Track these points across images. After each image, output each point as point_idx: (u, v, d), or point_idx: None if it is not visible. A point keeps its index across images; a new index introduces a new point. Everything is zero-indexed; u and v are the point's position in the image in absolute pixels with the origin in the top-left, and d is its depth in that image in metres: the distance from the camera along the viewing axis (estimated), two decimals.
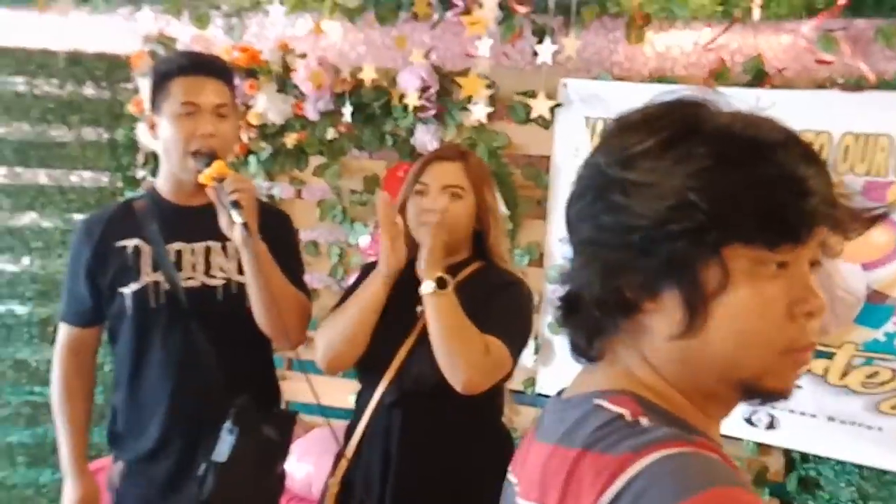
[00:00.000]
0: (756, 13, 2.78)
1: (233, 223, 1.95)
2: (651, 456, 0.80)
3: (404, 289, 2.03)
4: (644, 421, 0.86)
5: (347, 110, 3.30)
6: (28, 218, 3.69)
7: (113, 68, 3.65)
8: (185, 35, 3.49)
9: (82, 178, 3.70)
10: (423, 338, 1.99)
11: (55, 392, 2.22)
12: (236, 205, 1.93)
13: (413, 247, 2.07)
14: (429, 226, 2.02)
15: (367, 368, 2.11)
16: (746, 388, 0.89)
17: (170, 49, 3.48)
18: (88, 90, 3.66)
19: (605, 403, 0.90)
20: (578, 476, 0.85)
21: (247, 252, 1.99)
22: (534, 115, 3.13)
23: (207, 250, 2.12)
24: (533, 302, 2.19)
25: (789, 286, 0.86)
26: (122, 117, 3.66)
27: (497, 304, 2.03)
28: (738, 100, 0.90)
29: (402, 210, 2.12)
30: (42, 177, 3.69)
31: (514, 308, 2.08)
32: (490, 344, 1.94)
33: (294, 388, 3.56)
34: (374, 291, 2.03)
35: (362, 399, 2.12)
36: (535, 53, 3.09)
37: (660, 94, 0.92)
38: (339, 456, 2.14)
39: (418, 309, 2.03)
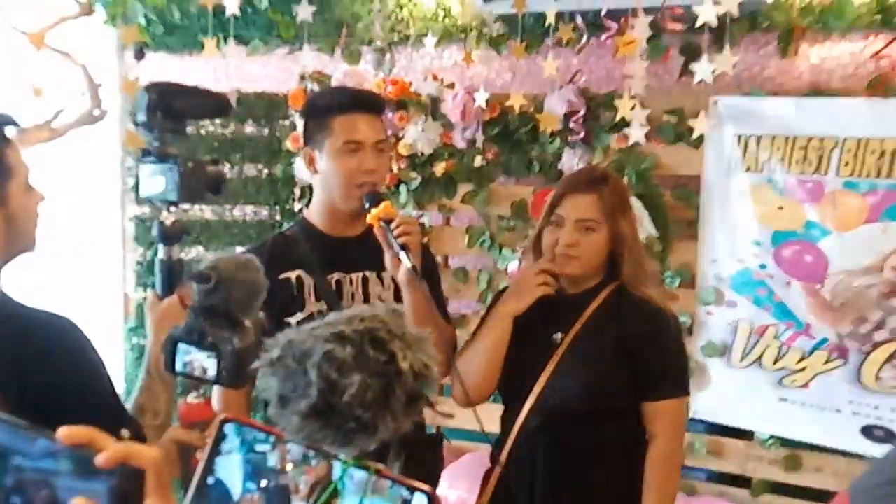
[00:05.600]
0: None
1: (398, 263, 1.96)
2: None
3: (538, 313, 2.07)
4: None
5: (479, 137, 3.39)
6: (195, 251, 3.89)
7: (271, 107, 3.83)
8: (339, 71, 3.63)
9: (244, 211, 3.90)
10: (563, 362, 2.04)
11: None
12: (405, 248, 1.94)
13: (553, 275, 2.10)
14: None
15: (509, 392, 2.15)
16: None
17: (324, 86, 3.62)
18: (249, 128, 3.86)
19: None
20: None
21: (411, 292, 2.01)
22: (693, 133, 3.07)
23: (365, 280, 2.16)
24: (680, 328, 2.20)
25: None
26: (280, 153, 3.84)
27: (654, 356, 2.06)
28: None
29: (539, 238, 2.14)
30: (207, 212, 3.91)
31: (672, 354, 2.13)
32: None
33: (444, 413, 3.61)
34: (504, 329, 2.10)
35: (507, 422, 2.13)
36: (683, 73, 3.06)
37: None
38: (485, 478, 2.17)
39: (557, 336, 2.07)
